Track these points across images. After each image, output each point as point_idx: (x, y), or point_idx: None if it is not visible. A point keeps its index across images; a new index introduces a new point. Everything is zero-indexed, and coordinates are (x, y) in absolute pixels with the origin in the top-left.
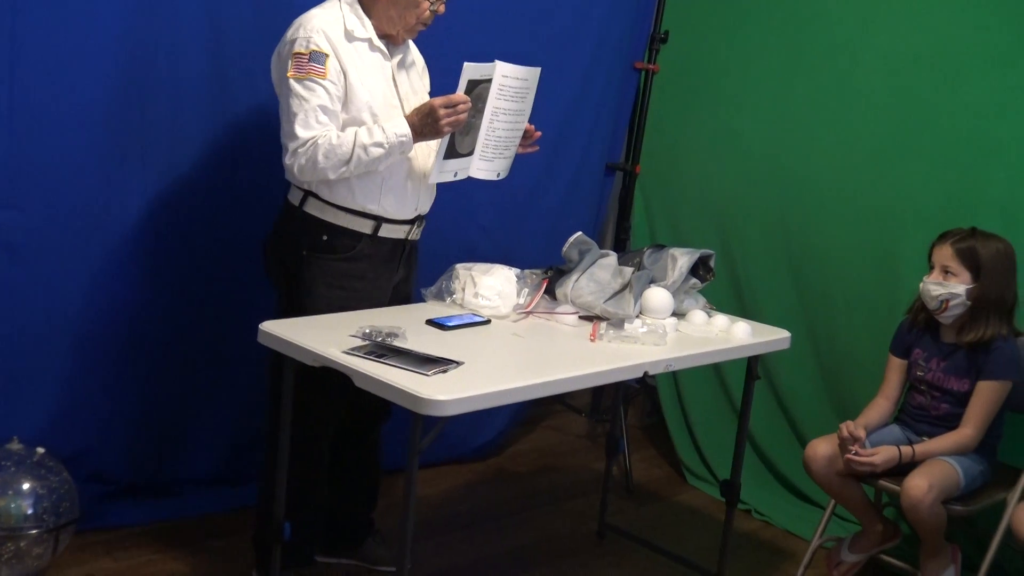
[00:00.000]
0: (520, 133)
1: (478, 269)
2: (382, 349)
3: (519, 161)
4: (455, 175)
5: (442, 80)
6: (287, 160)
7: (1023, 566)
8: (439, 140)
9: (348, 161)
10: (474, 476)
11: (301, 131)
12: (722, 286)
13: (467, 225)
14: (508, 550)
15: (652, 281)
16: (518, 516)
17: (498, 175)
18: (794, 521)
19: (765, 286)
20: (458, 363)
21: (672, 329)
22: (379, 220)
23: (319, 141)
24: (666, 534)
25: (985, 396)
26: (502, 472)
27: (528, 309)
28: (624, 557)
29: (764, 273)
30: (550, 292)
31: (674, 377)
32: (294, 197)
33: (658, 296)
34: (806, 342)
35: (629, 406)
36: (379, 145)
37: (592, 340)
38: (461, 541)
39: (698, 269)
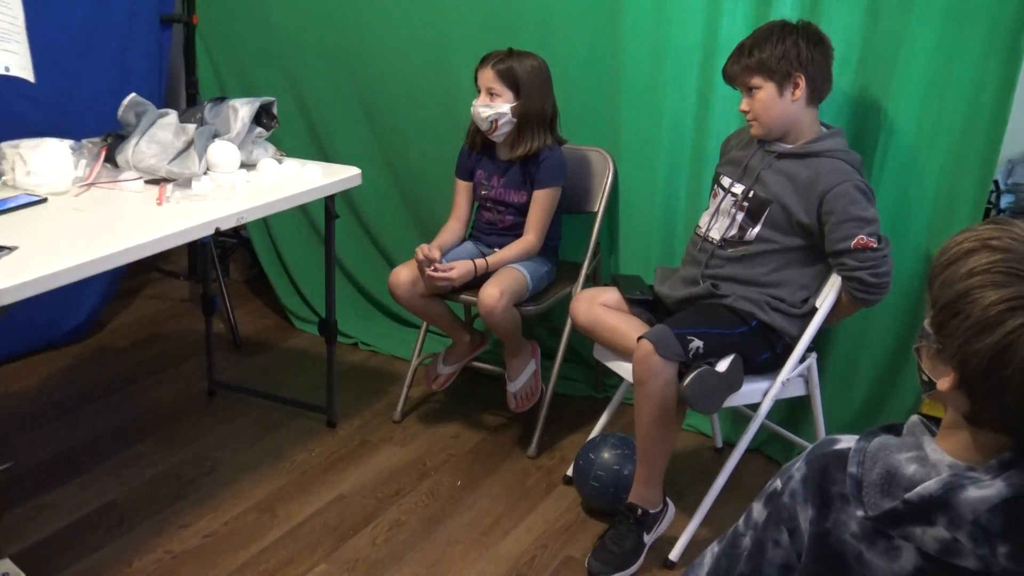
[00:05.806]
0: (16, 14)
1: (26, 145)
2: None
3: (60, 17)
4: None
5: None
6: None
7: (591, 347)
8: None
9: None
10: (72, 359)
11: None
12: (298, 132)
13: (11, 98)
14: (114, 427)
15: (216, 136)
16: (123, 391)
17: (7, 69)
18: (397, 345)
19: (339, 127)
20: (11, 248)
21: (243, 181)
22: None
23: None
24: (277, 380)
25: (541, 203)
26: (103, 350)
27: (88, 181)
28: (236, 411)
29: (337, 114)
30: (111, 160)
31: (267, 228)
32: None
33: (223, 150)
34: (386, 175)
35: (230, 263)
36: None
37: (160, 204)
38: (62, 428)
39: (261, 117)
